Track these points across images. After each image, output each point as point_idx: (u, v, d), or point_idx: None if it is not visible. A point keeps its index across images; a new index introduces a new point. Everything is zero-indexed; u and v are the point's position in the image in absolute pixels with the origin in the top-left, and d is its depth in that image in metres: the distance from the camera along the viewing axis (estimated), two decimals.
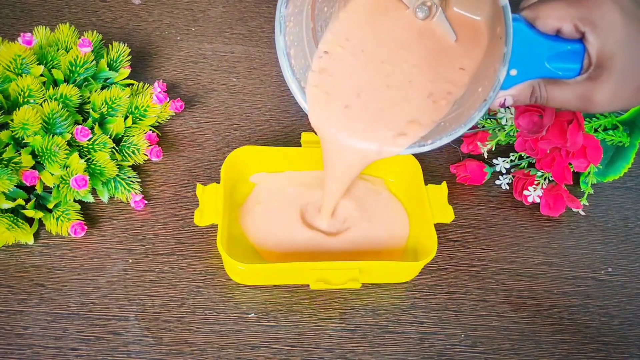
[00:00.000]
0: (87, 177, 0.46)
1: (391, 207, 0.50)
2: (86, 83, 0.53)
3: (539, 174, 0.53)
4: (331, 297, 0.47)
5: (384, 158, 0.40)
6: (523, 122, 0.50)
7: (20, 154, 0.46)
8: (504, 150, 0.57)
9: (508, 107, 0.52)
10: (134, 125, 0.52)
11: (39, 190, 0.47)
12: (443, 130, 0.38)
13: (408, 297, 0.48)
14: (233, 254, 0.44)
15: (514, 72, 0.36)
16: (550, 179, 0.53)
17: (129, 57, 0.55)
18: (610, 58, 0.35)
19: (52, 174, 0.46)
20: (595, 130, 0.54)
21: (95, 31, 0.55)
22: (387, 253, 0.48)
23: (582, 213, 0.55)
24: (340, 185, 0.44)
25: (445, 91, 0.39)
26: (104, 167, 0.48)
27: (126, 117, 0.52)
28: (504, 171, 0.55)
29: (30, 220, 0.47)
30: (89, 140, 0.48)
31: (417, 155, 0.53)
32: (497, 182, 0.56)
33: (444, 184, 0.50)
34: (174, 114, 0.57)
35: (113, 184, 0.49)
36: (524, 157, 0.55)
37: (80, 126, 0.48)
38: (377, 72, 0.40)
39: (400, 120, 0.39)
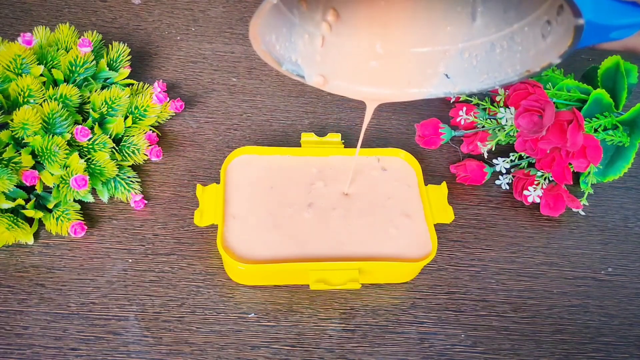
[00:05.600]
0: (87, 177, 0.46)
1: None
2: (86, 83, 0.53)
3: (539, 174, 0.53)
4: (331, 297, 0.47)
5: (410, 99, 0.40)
6: (523, 122, 0.50)
7: (20, 154, 0.46)
8: (504, 150, 0.57)
9: None
10: (134, 125, 0.52)
11: (39, 190, 0.47)
12: (473, 76, 0.36)
13: (408, 297, 0.48)
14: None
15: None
16: (550, 179, 0.53)
17: (129, 57, 0.55)
18: None
19: (52, 174, 0.46)
20: (595, 130, 0.54)
21: (95, 31, 0.55)
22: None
23: (582, 213, 0.55)
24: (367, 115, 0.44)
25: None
26: (104, 167, 0.48)
27: (126, 117, 0.52)
28: (504, 171, 0.55)
29: (30, 220, 0.47)
30: (89, 140, 0.48)
31: (417, 156, 0.53)
32: (497, 182, 0.56)
33: (444, 184, 0.50)
34: (174, 114, 0.57)
35: (113, 184, 0.49)
36: (524, 157, 0.55)
37: (80, 126, 0.48)
38: (377, 29, 0.38)
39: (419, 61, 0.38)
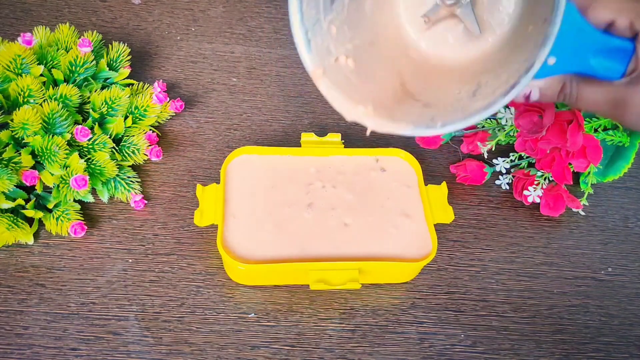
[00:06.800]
0: (87, 177, 0.46)
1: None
2: (86, 83, 0.53)
3: (539, 174, 0.53)
4: (331, 297, 0.47)
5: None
6: (523, 122, 0.50)
7: (20, 154, 0.46)
8: (504, 150, 0.57)
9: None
10: (134, 125, 0.52)
11: (39, 190, 0.47)
12: (460, 111, 0.36)
13: (408, 297, 0.48)
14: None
15: (552, 61, 0.32)
16: (550, 179, 0.53)
17: (129, 57, 0.55)
18: None
19: (52, 174, 0.46)
20: (595, 130, 0.54)
21: (95, 31, 0.55)
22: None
23: (582, 213, 0.55)
24: None
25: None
26: (104, 167, 0.48)
27: (126, 117, 0.52)
28: (504, 171, 0.55)
29: (30, 220, 0.47)
30: (89, 140, 0.48)
31: (417, 156, 0.53)
32: (497, 182, 0.56)
33: (444, 184, 0.50)
34: (174, 114, 0.57)
35: (113, 184, 0.49)
36: (524, 157, 0.55)
37: (80, 126, 0.48)
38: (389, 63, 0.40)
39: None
